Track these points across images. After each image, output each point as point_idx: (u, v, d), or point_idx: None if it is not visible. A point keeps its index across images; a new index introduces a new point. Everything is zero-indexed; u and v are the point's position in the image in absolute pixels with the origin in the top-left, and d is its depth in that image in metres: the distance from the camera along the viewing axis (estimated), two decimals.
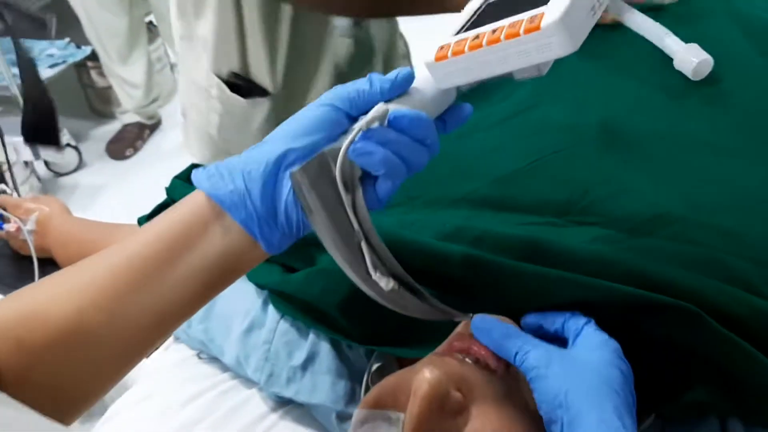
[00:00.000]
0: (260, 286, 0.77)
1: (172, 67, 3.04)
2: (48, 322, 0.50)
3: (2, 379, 0.48)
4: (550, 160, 0.77)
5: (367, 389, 0.70)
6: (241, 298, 0.79)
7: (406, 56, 1.40)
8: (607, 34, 0.93)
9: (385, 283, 0.54)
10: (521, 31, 0.48)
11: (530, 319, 0.61)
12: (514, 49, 0.49)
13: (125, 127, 2.89)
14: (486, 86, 0.74)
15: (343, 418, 0.72)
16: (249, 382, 0.80)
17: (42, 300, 0.52)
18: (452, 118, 0.58)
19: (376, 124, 0.51)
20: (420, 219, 0.74)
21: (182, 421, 0.75)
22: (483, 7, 0.58)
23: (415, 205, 0.80)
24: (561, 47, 0.48)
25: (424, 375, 0.52)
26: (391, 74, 0.54)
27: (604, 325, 0.60)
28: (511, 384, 0.57)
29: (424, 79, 0.56)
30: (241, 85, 1.17)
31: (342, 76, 1.23)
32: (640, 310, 0.60)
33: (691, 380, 0.59)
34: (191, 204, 0.54)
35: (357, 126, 0.51)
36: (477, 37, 0.51)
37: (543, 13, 0.47)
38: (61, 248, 1.04)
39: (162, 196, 0.92)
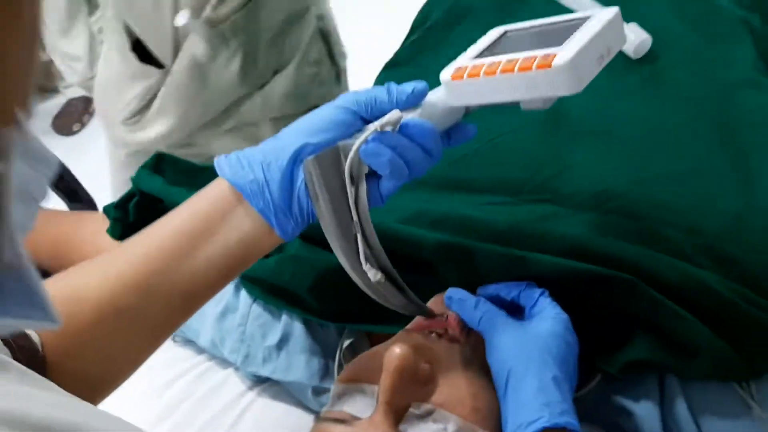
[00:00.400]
0: None
1: None
2: (87, 304, 0.54)
3: (47, 361, 0.51)
4: (501, 142, 0.82)
5: (340, 364, 0.75)
6: None
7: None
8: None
9: (374, 275, 0.58)
10: (534, 66, 0.53)
11: (489, 289, 0.66)
12: (524, 81, 0.55)
13: (70, 101, 2.83)
14: None
15: (319, 392, 0.77)
16: (225, 363, 0.84)
17: (80, 284, 0.56)
18: (457, 135, 0.63)
19: (389, 128, 0.56)
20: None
21: (164, 405, 0.79)
22: (501, 37, 0.64)
23: None
24: (567, 87, 0.53)
25: (395, 350, 0.57)
26: (408, 86, 0.59)
27: (552, 296, 0.66)
28: (472, 352, 0.62)
29: (436, 95, 0.61)
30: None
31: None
32: (583, 281, 0.66)
33: (631, 341, 0.66)
34: (215, 191, 0.59)
35: (371, 127, 0.56)
36: (493, 64, 0.56)
37: (555, 54, 0.52)
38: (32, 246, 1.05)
39: None
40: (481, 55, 0.61)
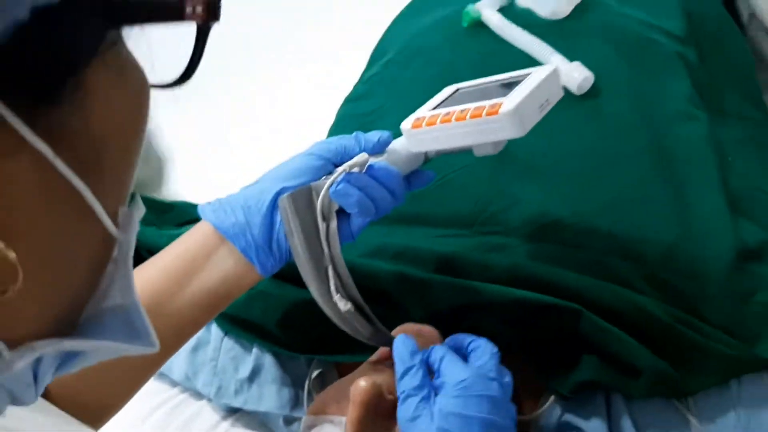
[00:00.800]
0: None
1: None
2: None
3: (48, 389, 0.55)
4: (454, 178, 0.87)
5: (309, 394, 0.79)
6: None
7: None
8: (498, 53, 1.03)
9: (343, 305, 0.63)
10: (483, 114, 0.61)
11: (448, 340, 0.67)
12: (476, 127, 0.63)
13: None
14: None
15: (290, 421, 0.81)
16: (199, 395, 0.87)
17: None
18: (417, 180, 0.71)
19: (356, 169, 0.63)
20: None
21: None
22: (454, 93, 0.72)
23: None
24: (512, 131, 0.62)
25: (360, 384, 0.61)
26: (374, 135, 0.67)
27: (504, 323, 0.72)
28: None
29: (399, 143, 0.69)
30: None
31: None
32: (532, 309, 0.71)
33: (579, 363, 0.71)
34: (199, 233, 0.65)
35: (340, 168, 0.63)
36: (448, 114, 0.64)
37: (502, 102, 0.61)
38: None
39: None
40: (437, 107, 0.69)
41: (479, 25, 1.08)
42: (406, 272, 0.75)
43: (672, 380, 0.70)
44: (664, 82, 0.99)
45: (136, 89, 0.29)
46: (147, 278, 0.63)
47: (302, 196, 0.62)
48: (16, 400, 0.30)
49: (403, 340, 0.63)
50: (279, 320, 0.78)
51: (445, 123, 0.64)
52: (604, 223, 0.81)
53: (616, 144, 0.90)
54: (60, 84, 0.24)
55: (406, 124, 0.67)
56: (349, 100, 1.16)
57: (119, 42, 0.27)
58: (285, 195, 0.62)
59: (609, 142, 0.91)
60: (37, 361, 0.30)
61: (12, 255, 0.24)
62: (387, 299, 0.76)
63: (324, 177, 0.65)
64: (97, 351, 0.32)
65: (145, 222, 0.88)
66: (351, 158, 0.64)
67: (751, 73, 1.21)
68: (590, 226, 0.81)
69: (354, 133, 0.68)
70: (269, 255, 0.65)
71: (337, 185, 0.62)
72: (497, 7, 1.09)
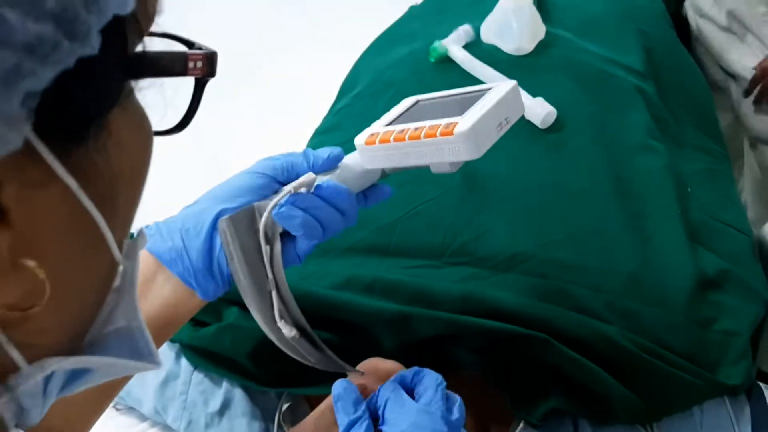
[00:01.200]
0: (172, 340, 0.84)
1: None
2: None
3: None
4: (423, 208, 0.89)
5: (280, 427, 0.79)
6: None
7: None
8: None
9: (288, 331, 0.60)
10: (438, 134, 0.57)
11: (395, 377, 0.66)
12: (430, 147, 0.59)
13: None
14: None
15: None
16: (168, 429, 0.86)
17: None
18: (373, 195, 0.67)
19: (303, 189, 0.59)
20: (317, 270, 0.84)
21: None
22: (413, 106, 0.69)
23: (311, 256, 0.90)
24: (467, 153, 0.58)
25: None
26: (324, 151, 0.63)
27: (475, 352, 0.73)
28: None
29: (353, 159, 0.65)
30: None
31: None
32: (503, 339, 0.72)
33: (548, 392, 0.73)
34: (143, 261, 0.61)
35: (286, 189, 0.59)
36: (402, 131, 0.60)
37: (457, 122, 0.57)
38: None
39: None
40: (393, 122, 0.66)
41: (446, 61, 1.10)
42: (378, 305, 0.76)
43: (638, 407, 0.71)
44: (624, 116, 1.02)
45: (145, 132, 0.32)
46: None
47: (244, 218, 0.59)
48: (22, 418, 0.31)
49: (345, 388, 0.61)
50: (249, 353, 0.78)
51: (398, 141, 0.60)
52: (567, 254, 0.83)
53: (579, 177, 0.93)
54: (88, 125, 0.27)
55: (359, 140, 0.63)
56: (318, 133, 1.17)
57: (133, 91, 0.30)
58: (225, 217, 0.58)
59: (572, 174, 0.93)
60: (48, 378, 0.31)
61: (42, 274, 0.26)
62: (357, 330, 0.77)
63: (269, 197, 0.61)
64: (105, 368, 0.34)
65: None
66: (298, 176, 0.60)
67: (710, 107, 1.25)
68: (554, 257, 0.83)
69: (303, 150, 0.64)
70: (210, 279, 0.61)
71: (281, 207, 0.58)
72: (463, 44, 1.12)
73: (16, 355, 0.28)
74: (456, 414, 0.58)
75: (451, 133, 0.56)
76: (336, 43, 2.30)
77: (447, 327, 0.73)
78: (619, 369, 0.72)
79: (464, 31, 1.12)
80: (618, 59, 1.13)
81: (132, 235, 0.35)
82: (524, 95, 1.00)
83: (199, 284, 0.61)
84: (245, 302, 0.61)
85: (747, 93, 1.34)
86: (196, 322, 0.84)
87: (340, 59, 1.40)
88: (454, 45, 1.10)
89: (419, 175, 0.94)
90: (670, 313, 0.78)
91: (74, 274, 0.30)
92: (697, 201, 0.96)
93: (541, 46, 1.12)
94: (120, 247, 0.32)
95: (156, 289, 0.61)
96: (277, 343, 0.62)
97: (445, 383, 0.60)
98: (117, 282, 0.34)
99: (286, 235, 0.61)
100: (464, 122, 0.57)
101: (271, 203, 0.58)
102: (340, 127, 1.14)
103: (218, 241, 0.60)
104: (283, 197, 0.58)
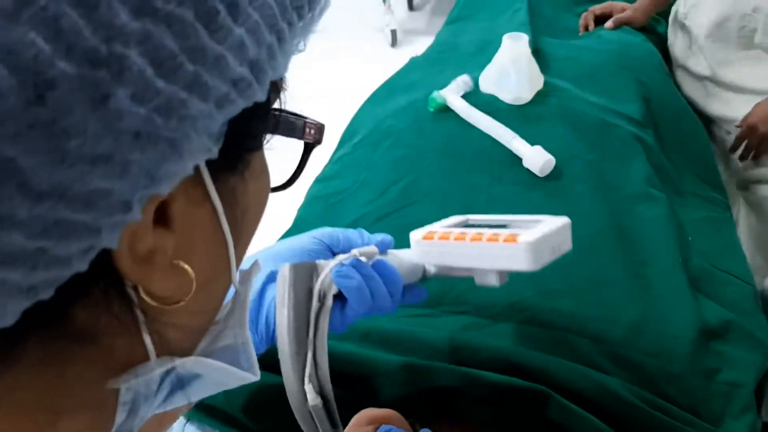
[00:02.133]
0: None
1: None
2: None
3: None
4: None
5: None
6: None
7: None
8: (463, 137, 1.06)
9: (312, 398, 0.58)
10: (501, 239, 0.60)
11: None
12: (489, 251, 0.61)
13: None
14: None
15: None
16: None
17: None
18: (410, 294, 0.68)
19: (364, 258, 0.61)
20: None
21: None
22: (462, 221, 0.72)
23: None
24: (526, 263, 0.59)
25: None
26: (378, 235, 0.66)
27: (475, 404, 0.71)
28: None
29: (403, 252, 0.67)
30: None
31: None
32: (503, 391, 0.71)
33: None
34: None
35: (352, 252, 0.60)
36: (462, 233, 0.63)
37: (521, 233, 0.60)
38: None
39: None
40: (448, 227, 0.69)
41: (445, 110, 1.11)
42: (378, 356, 0.74)
43: None
44: (623, 164, 1.02)
45: (267, 178, 0.37)
46: None
47: (304, 271, 0.59)
48: (128, 417, 0.32)
49: None
50: (243, 406, 0.77)
51: (458, 240, 0.63)
52: (567, 303, 0.82)
53: (579, 225, 0.92)
54: (242, 159, 0.32)
55: (416, 234, 0.66)
56: (318, 180, 1.18)
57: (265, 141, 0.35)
58: (289, 264, 0.59)
59: (572, 223, 0.92)
60: (164, 376, 0.33)
61: (192, 273, 0.30)
62: (357, 381, 0.75)
63: (329, 260, 0.62)
64: (214, 375, 0.36)
65: None
66: (351, 249, 0.63)
67: (710, 156, 1.26)
68: (555, 306, 0.82)
69: (358, 229, 0.67)
70: (254, 332, 0.61)
71: (342, 266, 0.59)
72: (462, 93, 1.13)
73: (149, 342, 0.31)
74: None
75: (514, 241, 0.59)
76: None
77: (447, 378, 0.72)
78: (621, 422, 0.70)
79: (463, 81, 1.13)
80: (616, 108, 1.14)
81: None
82: (522, 143, 1.00)
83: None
84: (279, 353, 0.60)
85: (733, 149, 1.35)
86: None
87: None
88: (452, 95, 1.11)
89: (416, 222, 0.94)
90: (672, 363, 0.76)
91: (209, 284, 0.33)
92: (698, 249, 0.95)
93: (540, 96, 1.13)
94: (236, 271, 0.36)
95: None
96: (294, 405, 0.60)
97: None
98: (230, 305, 0.38)
99: (335, 300, 0.61)
100: (528, 235, 0.60)
101: (334, 262, 0.60)
102: (339, 175, 1.15)
103: (269, 296, 0.61)
104: (347, 258, 0.60)
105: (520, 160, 1.00)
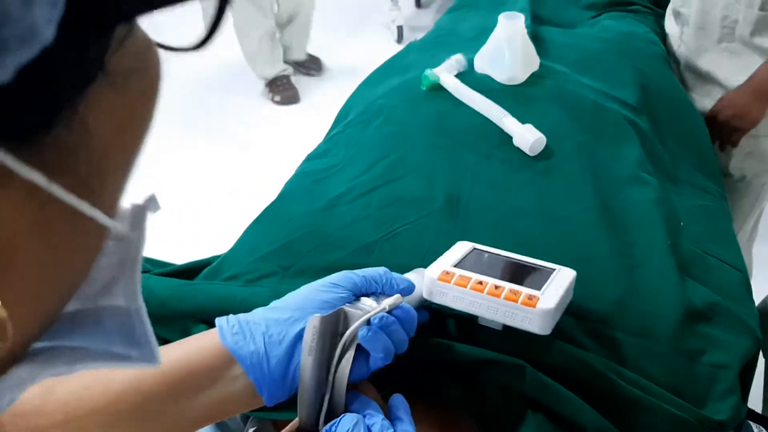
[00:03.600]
0: None
1: None
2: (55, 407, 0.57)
3: None
4: (403, 231, 0.86)
5: None
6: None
7: None
8: (453, 114, 1.04)
9: None
10: (519, 301, 0.64)
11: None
12: (505, 308, 0.64)
13: None
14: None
15: None
16: None
17: (72, 386, 0.58)
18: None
19: (386, 310, 0.62)
20: (291, 289, 0.81)
21: None
22: (469, 252, 0.74)
23: (287, 275, 0.87)
24: (539, 327, 0.64)
25: None
26: (403, 281, 0.67)
27: (450, 378, 0.69)
28: None
29: (415, 281, 0.69)
30: None
31: None
32: (476, 364, 0.69)
33: (524, 420, 0.69)
34: (208, 349, 0.61)
35: (381, 306, 0.62)
36: (481, 283, 0.66)
37: (539, 297, 0.64)
38: None
39: None
40: (461, 264, 0.71)
41: (437, 89, 1.09)
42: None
43: None
44: (615, 147, 1.00)
45: (149, 75, 0.27)
46: (140, 377, 0.59)
47: (332, 319, 0.60)
48: None
49: None
50: None
51: (475, 291, 0.66)
52: None
53: (565, 203, 0.90)
54: (55, 116, 0.23)
55: (432, 274, 0.68)
56: (309, 158, 1.16)
57: (128, 38, 0.25)
58: (319, 316, 0.58)
59: (558, 201, 0.91)
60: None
61: (3, 314, 0.23)
62: None
63: (355, 304, 0.64)
64: (88, 352, 0.30)
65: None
66: (373, 288, 0.65)
67: (707, 146, 1.23)
68: None
69: (383, 269, 0.67)
70: (281, 388, 0.61)
71: (369, 331, 0.60)
72: (455, 73, 1.11)
73: None
74: None
75: (534, 306, 0.63)
76: None
77: (422, 350, 0.70)
78: (600, 399, 0.68)
79: (456, 60, 1.11)
80: (612, 93, 1.12)
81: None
82: (513, 122, 0.98)
83: (270, 392, 0.60)
84: (299, 395, 0.59)
85: None
86: (163, 340, 0.82)
87: None
88: (445, 73, 1.09)
89: (401, 197, 0.93)
90: (655, 343, 0.74)
91: (53, 266, 0.26)
92: (689, 234, 0.93)
93: (535, 77, 1.11)
94: (112, 212, 0.28)
95: (224, 385, 0.60)
96: None
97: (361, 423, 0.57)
98: (118, 255, 0.30)
99: (359, 348, 0.62)
100: (547, 300, 0.64)
101: (362, 318, 0.60)
102: (328, 153, 1.13)
103: (298, 351, 0.60)
104: (375, 313, 0.61)
105: (510, 138, 0.98)
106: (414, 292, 0.69)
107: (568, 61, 1.22)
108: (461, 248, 0.74)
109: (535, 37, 1.25)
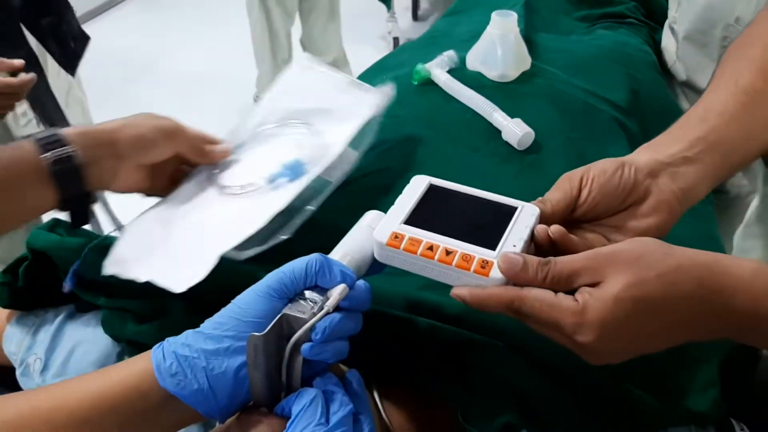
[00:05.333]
0: (115, 338, 0.80)
1: None
2: None
3: None
4: None
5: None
6: (97, 350, 0.81)
7: None
8: (444, 108, 1.05)
9: None
10: (471, 269, 0.59)
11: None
12: (457, 275, 0.60)
13: None
14: None
15: None
16: None
17: None
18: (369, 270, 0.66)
19: (330, 310, 0.58)
20: (260, 270, 0.80)
21: None
22: (426, 193, 0.67)
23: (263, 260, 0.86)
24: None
25: None
26: (336, 266, 0.60)
27: (423, 360, 0.69)
28: None
29: (365, 239, 0.65)
30: None
31: None
32: (453, 346, 0.69)
33: (502, 405, 0.68)
34: (147, 386, 0.57)
35: (324, 310, 0.58)
36: (431, 248, 0.61)
37: (493, 263, 0.58)
38: None
39: None
40: (413, 217, 0.64)
41: (429, 83, 1.10)
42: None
43: (594, 429, 0.67)
44: (604, 146, 1.01)
45: None
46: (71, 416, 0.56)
47: (274, 331, 0.56)
48: None
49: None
50: None
51: (426, 258, 0.61)
52: None
53: None
54: None
55: (381, 237, 0.63)
56: None
57: None
58: (258, 335, 0.55)
59: (545, 193, 0.90)
60: None
61: None
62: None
63: (296, 301, 0.59)
64: None
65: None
66: (310, 282, 0.60)
67: None
68: None
69: (318, 256, 0.61)
70: (232, 412, 0.59)
71: (311, 348, 0.57)
72: (447, 68, 1.12)
73: None
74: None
75: (487, 275, 0.58)
76: None
77: (396, 327, 0.69)
78: (579, 386, 0.68)
79: (448, 56, 1.12)
80: (603, 94, 1.12)
81: None
82: (502, 116, 0.98)
83: (222, 416, 0.58)
84: (253, 400, 0.59)
85: None
86: (141, 317, 0.81)
87: None
88: (437, 68, 1.09)
89: (386, 186, 0.92)
90: None
91: None
92: (673, 234, 0.92)
93: (526, 76, 1.11)
94: None
95: (162, 419, 0.58)
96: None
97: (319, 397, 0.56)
98: None
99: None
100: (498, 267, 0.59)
101: (301, 331, 0.57)
102: None
103: (245, 372, 0.57)
104: (318, 320, 0.57)
105: (499, 133, 0.98)
106: (364, 249, 0.65)
107: (560, 64, 1.23)
108: (418, 187, 0.68)
109: (528, 42, 1.25)
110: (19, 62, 1.24)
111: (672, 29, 1.48)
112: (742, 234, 1.52)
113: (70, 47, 1.72)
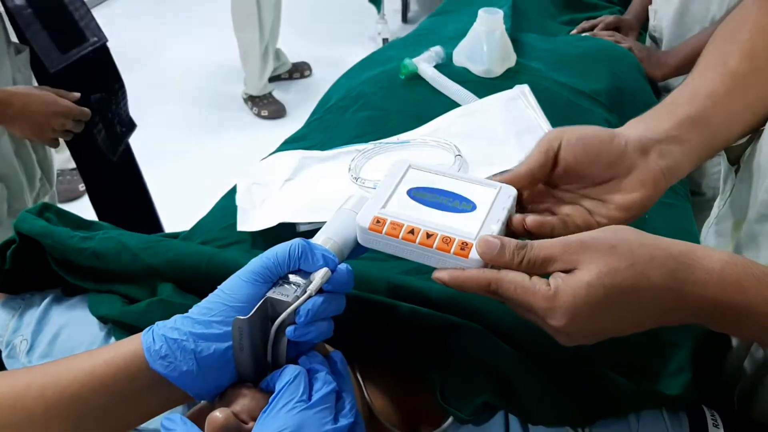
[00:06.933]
0: (102, 318, 0.81)
1: None
2: None
3: None
4: None
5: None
6: (84, 331, 0.81)
7: None
8: (429, 101, 1.07)
9: None
10: (451, 251, 0.60)
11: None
12: (437, 257, 0.61)
13: None
14: None
15: None
16: None
17: None
18: (352, 254, 0.67)
19: (313, 294, 0.59)
20: (245, 256, 0.81)
21: None
22: (404, 175, 0.68)
23: (256, 244, 0.88)
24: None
25: (215, 415, 0.55)
26: (318, 249, 0.61)
27: (414, 340, 0.70)
28: None
29: (349, 222, 0.65)
30: None
31: None
32: (432, 328, 0.70)
33: (479, 386, 0.70)
34: (136, 367, 0.59)
35: (306, 293, 0.58)
36: (413, 232, 0.61)
37: (472, 244, 0.59)
38: None
39: None
40: (394, 201, 0.65)
41: (415, 77, 1.12)
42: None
43: (568, 410, 0.68)
44: None
45: None
46: (66, 394, 0.58)
47: (258, 315, 0.58)
48: None
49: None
50: None
51: (406, 241, 0.61)
52: None
53: None
54: None
55: (363, 222, 0.63)
56: (287, 142, 1.18)
57: None
58: (242, 318, 0.56)
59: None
60: None
61: None
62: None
63: (279, 284, 0.60)
64: None
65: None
66: (293, 266, 0.60)
67: None
68: None
69: (300, 241, 0.61)
70: (219, 390, 0.60)
71: (295, 330, 0.58)
72: (434, 63, 1.14)
73: None
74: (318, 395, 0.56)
75: (466, 257, 0.59)
76: None
77: (378, 311, 0.71)
78: (553, 368, 0.69)
79: (435, 51, 1.14)
80: (585, 90, 1.15)
81: None
82: None
83: (212, 395, 0.60)
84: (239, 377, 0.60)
85: None
86: (128, 299, 0.82)
87: None
88: (423, 63, 1.11)
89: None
90: None
91: None
92: (652, 228, 0.94)
93: (511, 72, 1.14)
94: None
95: (152, 398, 0.60)
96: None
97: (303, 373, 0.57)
98: None
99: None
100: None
101: (285, 313, 0.58)
102: (305, 137, 1.15)
103: (231, 353, 0.58)
104: (301, 303, 0.58)
105: None
106: (347, 233, 0.65)
107: (545, 61, 1.25)
108: (398, 171, 0.68)
109: (515, 41, 1.27)
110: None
111: (653, 38, 1.51)
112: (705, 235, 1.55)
113: (116, 132, 1.57)
